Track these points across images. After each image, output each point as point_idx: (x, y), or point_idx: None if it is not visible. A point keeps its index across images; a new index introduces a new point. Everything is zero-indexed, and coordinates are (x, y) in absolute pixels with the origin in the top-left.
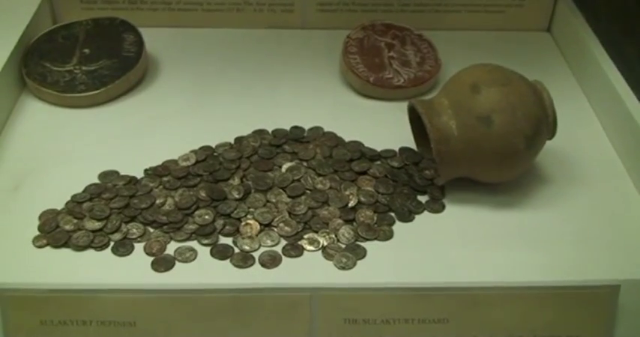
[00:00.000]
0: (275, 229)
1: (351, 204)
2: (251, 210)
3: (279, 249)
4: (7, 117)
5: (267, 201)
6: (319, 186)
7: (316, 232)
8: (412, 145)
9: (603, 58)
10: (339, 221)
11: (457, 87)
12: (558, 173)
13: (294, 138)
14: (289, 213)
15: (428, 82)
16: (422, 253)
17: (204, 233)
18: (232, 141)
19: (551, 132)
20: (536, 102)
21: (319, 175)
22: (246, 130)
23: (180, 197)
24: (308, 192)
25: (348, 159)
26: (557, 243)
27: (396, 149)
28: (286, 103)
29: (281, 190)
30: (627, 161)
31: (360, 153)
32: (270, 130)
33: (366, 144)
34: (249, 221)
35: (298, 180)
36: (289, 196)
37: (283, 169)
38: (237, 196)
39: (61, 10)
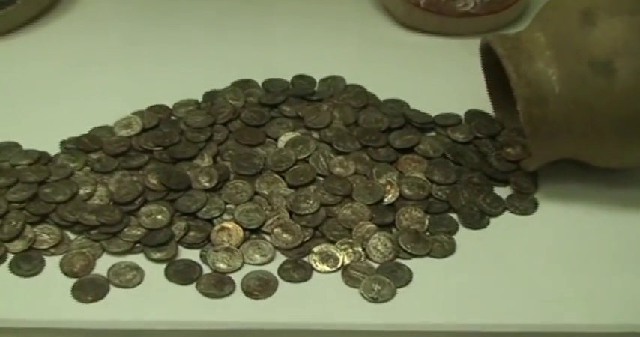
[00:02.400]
0: (268, 237)
1: (389, 199)
2: (229, 206)
3: (273, 268)
4: None
5: (256, 194)
6: (338, 169)
7: (333, 243)
8: (487, 108)
9: None
10: (370, 226)
11: (559, 17)
12: None
13: (299, 95)
14: (290, 213)
15: (512, 8)
16: (499, 278)
17: (154, 242)
18: (200, 99)
19: None
20: None
21: (338, 153)
22: (221, 81)
23: (118, 185)
24: (320, 179)
25: (385, 128)
26: None
27: (461, 114)
28: (286, 40)
29: (277, 176)
30: None
31: (404, 120)
32: (259, 82)
33: (413, 105)
34: (226, 224)
35: (305, 161)
36: (290, 186)
37: (281, 143)
38: (207, 185)
39: None
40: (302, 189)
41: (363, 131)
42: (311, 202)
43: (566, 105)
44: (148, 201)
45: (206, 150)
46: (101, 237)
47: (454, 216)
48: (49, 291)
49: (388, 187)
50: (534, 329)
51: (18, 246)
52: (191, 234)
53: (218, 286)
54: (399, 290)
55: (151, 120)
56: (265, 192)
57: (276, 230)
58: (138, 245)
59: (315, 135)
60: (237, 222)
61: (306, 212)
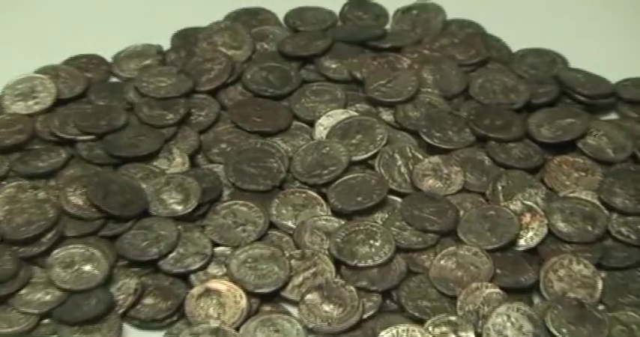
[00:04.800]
0: (294, 310)
1: (529, 240)
2: (221, 250)
3: None
4: None
5: (272, 226)
6: (430, 182)
7: (420, 323)
8: None
9: None
10: (492, 290)
11: None
12: None
13: (355, 39)
14: (338, 265)
15: None
16: None
17: (78, 316)
18: (167, 44)
19: None
20: None
21: (431, 150)
22: (206, 12)
23: (9, 208)
24: (397, 200)
25: (521, 104)
26: None
27: None
28: None
29: (312, 194)
30: None
31: (557, 89)
32: (279, 14)
33: (575, 63)
34: (214, 283)
35: (367, 165)
36: (338, 212)
37: (320, 130)
38: (178, 208)
39: None
40: (360, 218)
41: (478, 110)
42: (378, 244)
43: None
44: (67, 239)
45: (177, 142)
46: None
47: None
48: None
49: (527, 217)
50: None
51: None
52: (148, 301)
53: None
54: None
55: (72, 85)
56: (290, 223)
57: (310, 296)
58: (46, 321)
59: (387, 115)
60: (235, 281)
61: (369, 262)
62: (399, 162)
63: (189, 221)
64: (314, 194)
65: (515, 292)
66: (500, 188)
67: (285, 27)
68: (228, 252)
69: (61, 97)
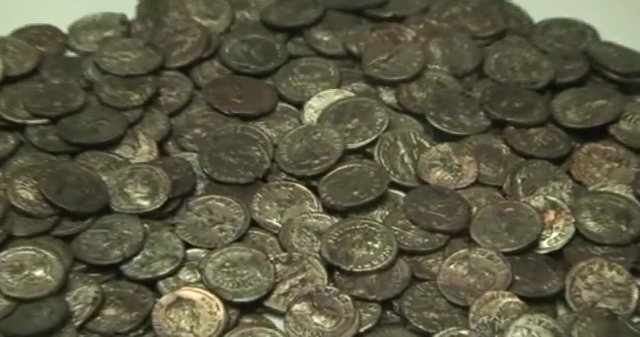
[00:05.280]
0: (279, 323)
1: (553, 242)
2: (194, 252)
3: None
4: None
5: (253, 224)
6: (438, 174)
7: None
8: None
9: None
10: (509, 300)
11: None
12: None
13: (351, 7)
14: (330, 269)
15: None
16: None
17: (27, 330)
18: (131, 13)
19: None
20: None
21: (438, 136)
22: None
23: None
24: (399, 195)
25: (545, 83)
26: None
27: None
28: None
29: (301, 187)
30: None
31: (587, 66)
32: None
33: (606, 36)
34: (187, 291)
35: (365, 153)
36: (330, 208)
37: (311, 113)
38: (144, 203)
39: None
40: (357, 216)
41: (494, 90)
42: (377, 246)
43: None
44: (15, 239)
45: (143, 126)
46: None
47: None
48: None
49: (551, 215)
50: None
51: None
52: (110, 312)
53: None
54: None
55: (22, 60)
56: (275, 221)
57: (298, 307)
58: None
59: (388, 96)
60: (211, 288)
61: (367, 267)
62: (402, 151)
63: (157, 218)
64: (303, 187)
65: (536, 302)
66: (519, 181)
67: None
68: (203, 255)
69: (9, 74)
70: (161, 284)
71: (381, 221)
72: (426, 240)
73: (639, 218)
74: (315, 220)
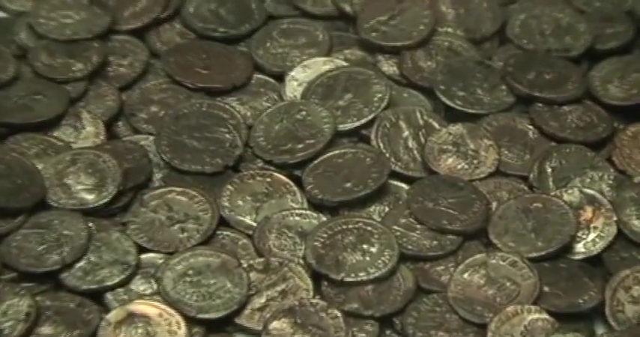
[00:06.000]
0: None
1: (590, 246)
2: (149, 257)
3: None
4: None
5: (222, 224)
6: (449, 161)
7: None
8: None
9: None
10: (536, 316)
11: None
12: None
13: None
14: (317, 277)
15: None
16: None
17: None
18: None
19: None
20: None
21: (450, 115)
22: None
23: None
24: (402, 187)
25: (581, 50)
26: None
27: None
28: None
29: (281, 177)
30: None
31: (634, 28)
32: None
33: None
34: (140, 305)
35: (359, 135)
36: (318, 203)
37: (293, 86)
38: (89, 197)
39: None
40: (349, 213)
41: (519, 59)
42: (374, 249)
43: None
44: None
45: (88, 103)
46: None
47: None
48: None
49: (588, 212)
50: None
51: None
52: (46, 330)
53: None
54: None
55: None
56: (249, 219)
57: (277, 324)
58: None
59: (389, 65)
60: (170, 302)
61: (362, 276)
62: (406, 133)
63: (104, 216)
64: (283, 178)
65: (570, 318)
66: (549, 170)
67: None
68: (161, 261)
69: None
70: (109, 296)
71: (379, 219)
72: (435, 243)
73: None
74: (298, 218)
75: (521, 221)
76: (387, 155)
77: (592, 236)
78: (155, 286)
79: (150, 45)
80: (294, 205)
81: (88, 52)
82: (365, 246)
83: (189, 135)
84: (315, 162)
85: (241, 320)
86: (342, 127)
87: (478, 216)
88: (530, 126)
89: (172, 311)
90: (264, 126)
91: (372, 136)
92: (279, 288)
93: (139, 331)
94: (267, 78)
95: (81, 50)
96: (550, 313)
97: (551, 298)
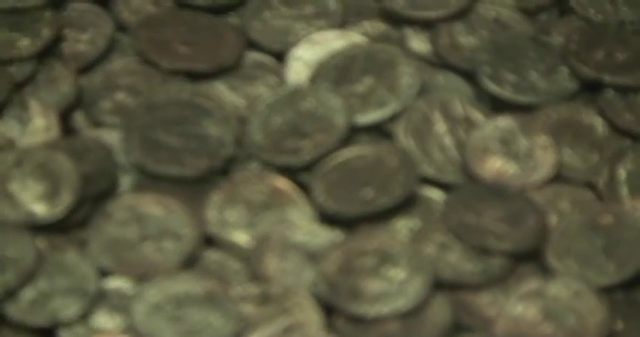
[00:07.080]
0: None
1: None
2: (116, 287)
3: None
4: None
5: (211, 242)
6: (492, 161)
7: None
8: None
9: None
10: None
11: None
12: None
13: None
14: (328, 309)
15: None
16: None
17: None
18: None
19: None
20: None
21: (492, 103)
22: None
23: None
24: (433, 198)
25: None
26: None
27: None
28: None
29: (280, 185)
30: None
31: None
32: None
33: None
34: None
35: (379, 131)
36: (334, 216)
37: (298, 70)
38: (37, 210)
39: None
40: (369, 229)
41: (584, 34)
42: (401, 276)
43: None
44: None
45: (37, 89)
46: None
47: None
48: None
49: None
50: None
51: None
52: None
53: None
54: None
55: None
56: (242, 237)
57: None
58: None
59: (420, 42)
60: None
61: (385, 309)
62: (441, 128)
63: (58, 232)
64: (285, 184)
65: None
66: (623, 175)
67: None
68: (130, 289)
69: None
70: (63, 334)
71: (407, 237)
72: (478, 267)
73: None
74: (304, 236)
75: (588, 239)
76: (418, 156)
77: None
78: (123, 320)
79: (116, 15)
80: (299, 219)
81: (37, 23)
82: (390, 272)
83: (165, 130)
84: (326, 164)
85: None
86: (359, 120)
87: (533, 232)
88: (600, 119)
89: None
90: (261, 118)
91: (399, 132)
92: (281, 324)
93: None
94: (264, 57)
95: (28, 22)
96: None
97: (627, 336)
